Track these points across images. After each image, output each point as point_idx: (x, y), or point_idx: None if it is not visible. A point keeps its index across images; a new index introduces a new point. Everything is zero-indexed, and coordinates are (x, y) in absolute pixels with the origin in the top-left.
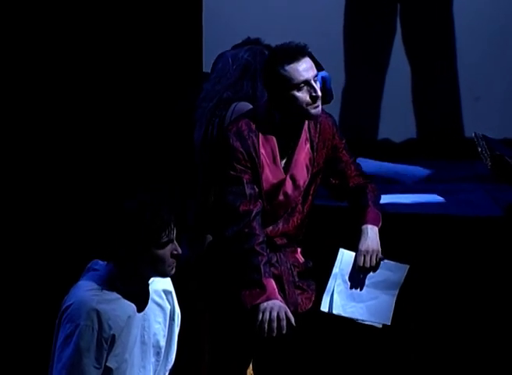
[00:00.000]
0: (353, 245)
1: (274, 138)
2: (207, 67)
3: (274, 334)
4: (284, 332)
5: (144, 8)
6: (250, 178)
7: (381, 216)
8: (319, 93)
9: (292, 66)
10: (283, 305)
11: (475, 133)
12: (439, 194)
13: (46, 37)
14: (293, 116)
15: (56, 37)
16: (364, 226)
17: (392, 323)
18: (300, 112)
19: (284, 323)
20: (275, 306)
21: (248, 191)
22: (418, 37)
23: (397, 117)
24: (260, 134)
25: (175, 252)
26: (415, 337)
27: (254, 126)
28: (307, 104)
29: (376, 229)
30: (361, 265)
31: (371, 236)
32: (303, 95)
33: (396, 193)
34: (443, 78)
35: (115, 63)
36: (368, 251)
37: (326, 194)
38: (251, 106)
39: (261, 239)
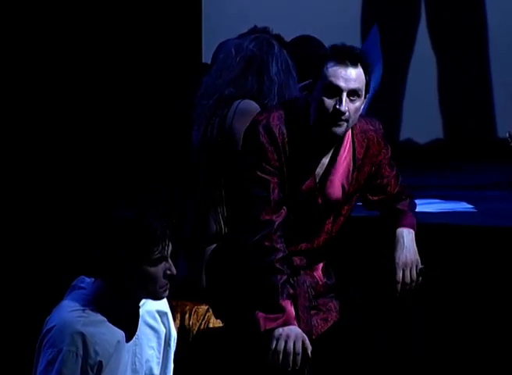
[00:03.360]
0: (377, 260)
1: (309, 138)
2: (206, 58)
3: (289, 369)
4: (298, 367)
5: (142, 3)
6: (277, 182)
7: (416, 224)
8: (344, 109)
9: (335, 66)
10: (301, 332)
11: (509, 133)
12: (467, 202)
13: (44, 34)
14: (316, 119)
15: (53, 31)
16: (399, 230)
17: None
18: (319, 120)
19: (299, 357)
20: (291, 333)
21: (273, 196)
22: (445, 26)
23: (422, 115)
24: (293, 131)
25: (168, 272)
26: (444, 357)
27: (287, 121)
28: (329, 116)
29: (413, 234)
30: (400, 280)
31: (408, 244)
32: (329, 102)
33: (419, 200)
34: (473, 72)
35: (110, 61)
36: (406, 265)
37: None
38: (256, 104)
39: (281, 255)
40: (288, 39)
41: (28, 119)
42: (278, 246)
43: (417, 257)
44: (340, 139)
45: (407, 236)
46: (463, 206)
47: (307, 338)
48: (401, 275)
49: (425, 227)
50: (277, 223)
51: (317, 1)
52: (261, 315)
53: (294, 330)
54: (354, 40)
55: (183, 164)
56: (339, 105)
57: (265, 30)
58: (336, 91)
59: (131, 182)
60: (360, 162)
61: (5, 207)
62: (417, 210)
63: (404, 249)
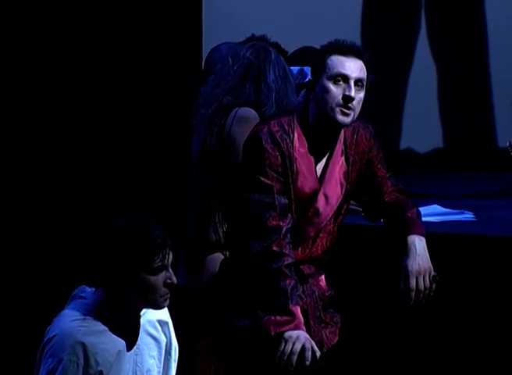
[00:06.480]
0: (381, 271)
1: (309, 141)
2: None
3: (292, 369)
4: (308, 363)
5: (142, 4)
6: (281, 188)
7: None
8: (353, 96)
9: (339, 57)
10: (309, 337)
11: (510, 142)
12: (468, 211)
13: (44, 35)
14: (321, 113)
15: (53, 32)
16: (411, 238)
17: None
18: (327, 110)
19: (309, 353)
20: (301, 337)
21: (279, 202)
22: (445, 35)
23: (422, 124)
24: (294, 136)
25: (169, 281)
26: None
27: (287, 127)
28: (338, 104)
29: (424, 242)
30: (414, 288)
31: (421, 252)
32: (336, 90)
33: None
34: (474, 80)
35: (109, 64)
36: (420, 273)
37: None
38: (254, 112)
39: (290, 260)
40: (288, 40)
41: (25, 130)
42: (286, 252)
43: (430, 264)
44: (341, 129)
45: (418, 243)
46: (463, 215)
47: (314, 344)
48: (415, 283)
49: (425, 236)
50: (285, 228)
51: (317, 6)
52: (270, 319)
53: (304, 334)
54: None
55: (182, 173)
56: (349, 92)
57: (263, 38)
58: (343, 80)
59: (132, 191)
60: (352, 158)
61: (5, 216)
62: None
63: (417, 257)
